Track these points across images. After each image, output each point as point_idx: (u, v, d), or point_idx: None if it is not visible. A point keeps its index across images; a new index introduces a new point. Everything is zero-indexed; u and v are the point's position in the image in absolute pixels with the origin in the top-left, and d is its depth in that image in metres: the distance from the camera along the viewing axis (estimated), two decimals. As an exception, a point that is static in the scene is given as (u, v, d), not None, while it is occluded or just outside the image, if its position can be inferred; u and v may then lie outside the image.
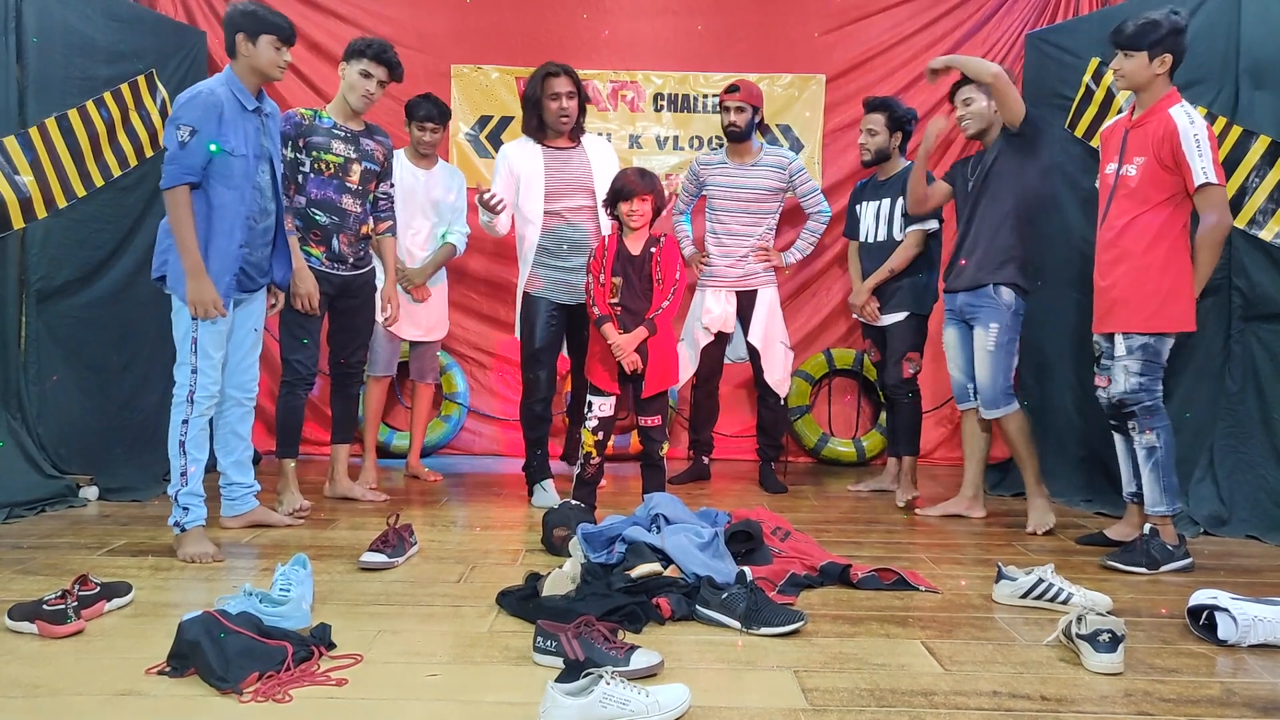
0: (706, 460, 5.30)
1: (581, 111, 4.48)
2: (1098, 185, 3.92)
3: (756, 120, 4.95)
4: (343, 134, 4.25)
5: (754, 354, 5.03)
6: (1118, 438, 3.94)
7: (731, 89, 4.91)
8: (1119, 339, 3.73)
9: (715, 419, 5.33)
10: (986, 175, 4.19)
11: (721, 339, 5.08)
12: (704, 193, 5.11)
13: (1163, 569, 3.55)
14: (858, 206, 4.94)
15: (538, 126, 4.46)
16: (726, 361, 5.20)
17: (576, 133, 4.52)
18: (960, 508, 4.46)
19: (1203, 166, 3.55)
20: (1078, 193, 4.75)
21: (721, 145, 5.30)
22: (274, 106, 3.87)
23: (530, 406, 4.50)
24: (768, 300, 5.04)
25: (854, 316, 5.01)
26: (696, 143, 5.82)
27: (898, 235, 4.74)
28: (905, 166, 4.79)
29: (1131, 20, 3.66)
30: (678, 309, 4.19)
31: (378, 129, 4.43)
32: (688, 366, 5.09)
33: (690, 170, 5.18)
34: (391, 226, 4.51)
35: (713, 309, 5.01)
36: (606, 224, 4.34)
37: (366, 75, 4.20)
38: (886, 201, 4.77)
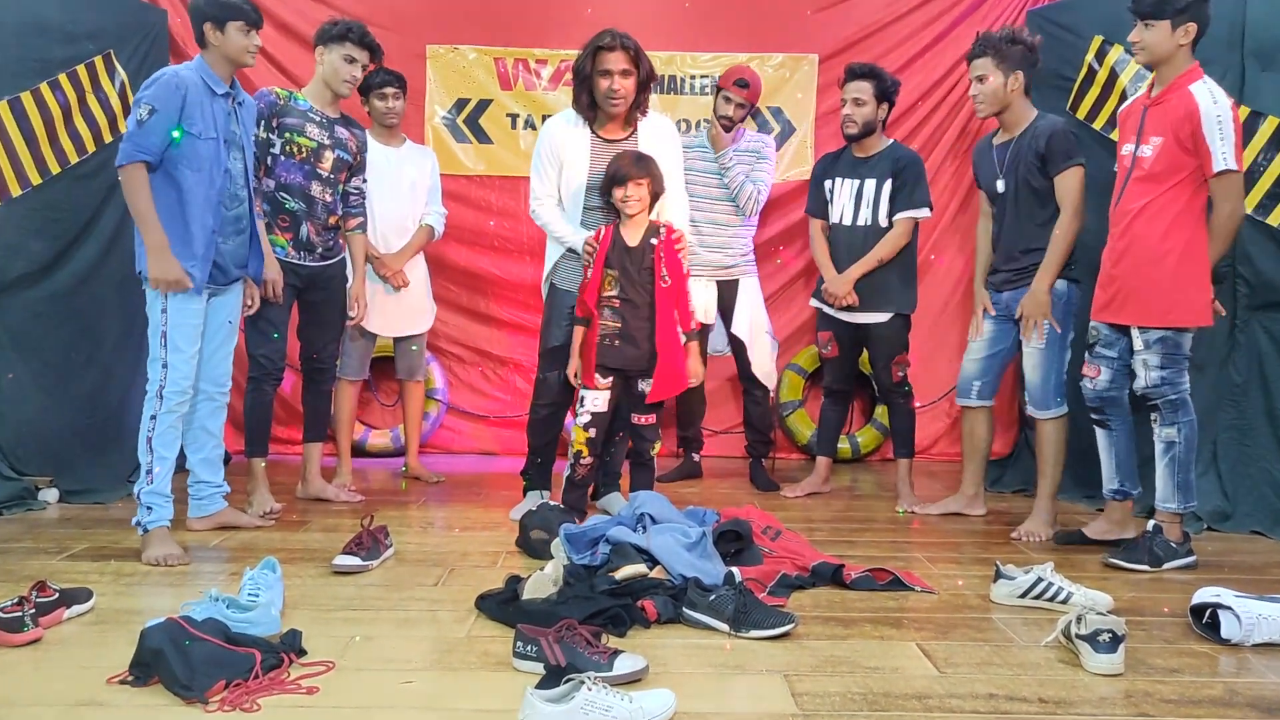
0: (697, 457, 5.31)
1: (641, 91, 4.15)
2: (1115, 169, 3.86)
3: (749, 115, 4.96)
4: (318, 119, 4.24)
5: (738, 346, 5.03)
6: (1100, 433, 3.92)
7: (741, 83, 4.81)
8: (1135, 333, 3.70)
9: (703, 413, 5.34)
10: (1016, 176, 4.08)
11: (703, 331, 5.02)
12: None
13: (1165, 566, 3.58)
14: (827, 183, 4.74)
15: (589, 105, 4.15)
16: (712, 353, 5.20)
17: (633, 117, 4.21)
18: (959, 505, 4.48)
19: (1224, 151, 3.47)
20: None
21: (703, 126, 5.27)
22: (249, 98, 3.92)
23: (536, 409, 4.32)
24: (751, 289, 5.03)
25: (814, 305, 4.86)
26: (685, 126, 5.82)
27: (883, 221, 4.60)
28: (889, 144, 4.68)
29: None
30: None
31: (353, 120, 4.42)
32: None
33: None
34: (362, 224, 4.50)
35: (694, 299, 4.98)
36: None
37: (351, 60, 4.20)
38: (871, 183, 4.61)
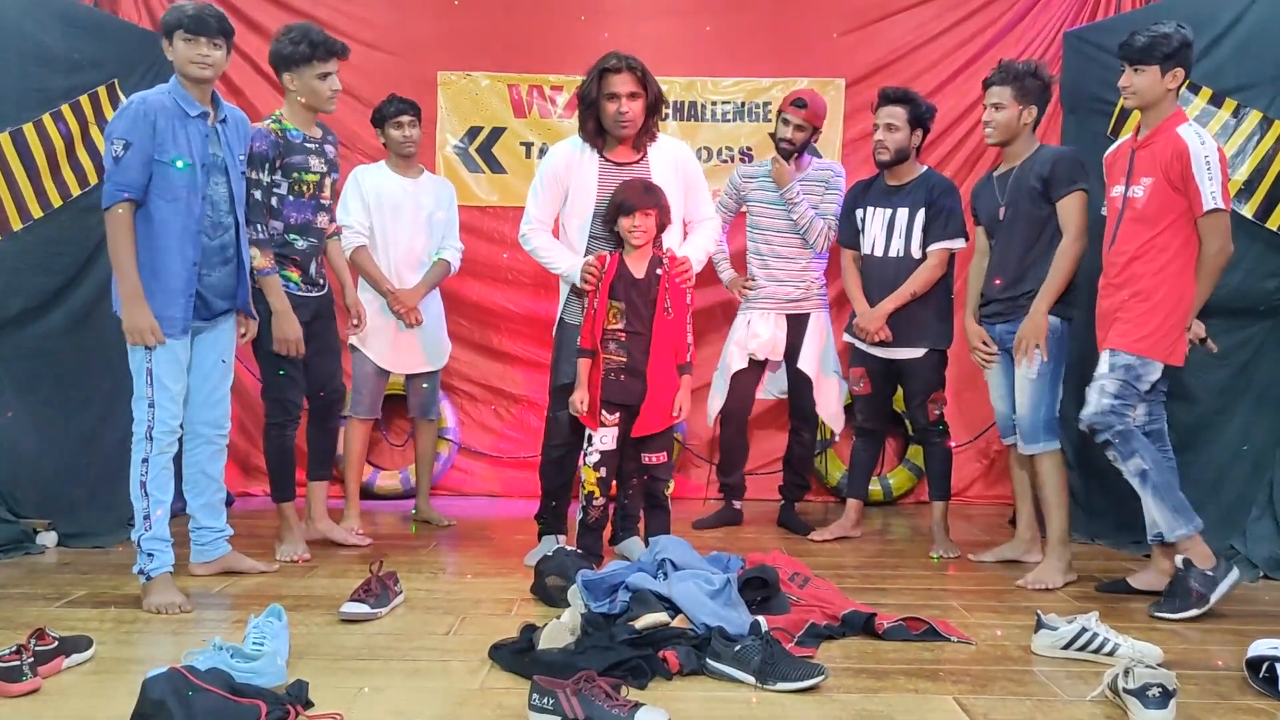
0: (738, 505, 5.26)
1: (651, 114, 4.19)
2: (1104, 211, 3.98)
3: (813, 139, 4.98)
4: (314, 146, 4.27)
5: (801, 383, 5.01)
6: None
7: (799, 104, 4.82)
8: (1104, 356, 3.79)
9: (745, 459, 5.30)
10: (1017, 202, 4.16)
11: (755, 368, 5.05)
12: (745, 208, 5.10)
13: (1215, 597, 3.56)
14: (859, 212, 4.79)
15: (595, 131, 4.19)
16: (766, 397, 5.20)
17: (643, 141, 4.24)
18: (1017, 552, 4.45)
19: (1212, 191, 3.61)
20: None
21: (748, 157, 5.29)
22: (236, 114, 3.88)
23: (548, 451, 4.34)
24: (821, 325, 5.03)
25: (846, 340, 4.88)
26: (705, 154, 5.88)
27: (915, 252, 4.64)
28: (924, 172, 4.72)
29: (1141, 33, 3.72)
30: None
31: (327, 127, 4.43)
32: (715, 399, 5.08)
33: (730, 182, 5.15)
34: (339, 230, 4.57)
35: (761, 334, 4.96)
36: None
37: (325, 76, 4.16)
38: (903, 212, 4.64)
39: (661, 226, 4.09)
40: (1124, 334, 3.75)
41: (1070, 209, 4.06)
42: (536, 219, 4.27)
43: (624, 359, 4.05)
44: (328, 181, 4.31)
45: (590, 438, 4.10)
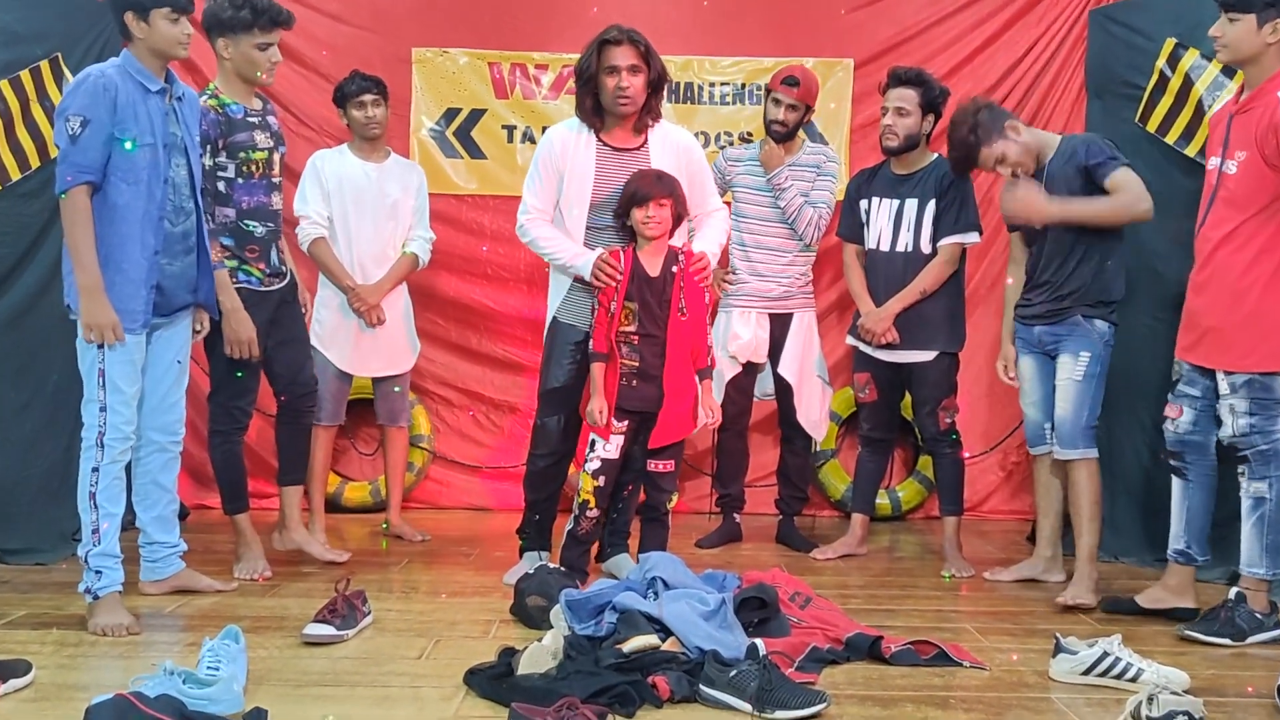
0: (738, 518, 5.24)
1: (653, 94, 4.20)
2: (1195, 186, 3.95)
3: (805, 120, 4.99)
4: (256, 120, 4.22)
5: (783, 389, 5.03)
6: (1176, 483, 3.95)
7: (790, 81, 4.81)
8: (1220, 376, 3.75)
9: (746, 468, 5.31)
10: (1059, 193, 4.13)
11: (751, 370, 5.05)
12: (730, 194, 5.09)
13: (1250, 641, 3.59)
14: (863, 203, 4.81)
15: (593, 109, 4.19)
16: (755, 398, 5.21)
17: (644, 123, 4.25)
18: (1036, 571, 4.47)
19: None
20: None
21: (748, 140, 5.29)
22: (188, 91, 3.87)
23: (533, 461, 4.33)
24: (805, 325, 5.03)
25: (850, 343, 4.90)
26: (703, 139, 5.89)
27: (925, 247, 4.64)
28: (933, 160, 4.70)
29: None
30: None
31: (265, 96, 4.39)
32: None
33: (715, 167, 5.09)
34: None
35: (741, 334, 4.95)
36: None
37: (264, 48, 4.09)
38: (912, 203, 4.65)
39: (678, 218, 4.10)
40: (1228, 350, 3.71)
41: (1125, 181, 4.00)
42: (534, 208, 4.26)
43: (636, 363, 4.05)
44: (276, 157, 4.28)
45: (593, 443, 4.10)
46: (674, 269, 4.08)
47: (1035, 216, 4.11)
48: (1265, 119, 3.57)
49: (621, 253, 4.08)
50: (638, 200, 4.02)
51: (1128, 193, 3.97)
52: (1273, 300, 3.65)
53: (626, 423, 4.09)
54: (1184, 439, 3.89)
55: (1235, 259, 3.67)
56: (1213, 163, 3.80)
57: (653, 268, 4.07)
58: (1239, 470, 3.78)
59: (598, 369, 4.08)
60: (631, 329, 4.05)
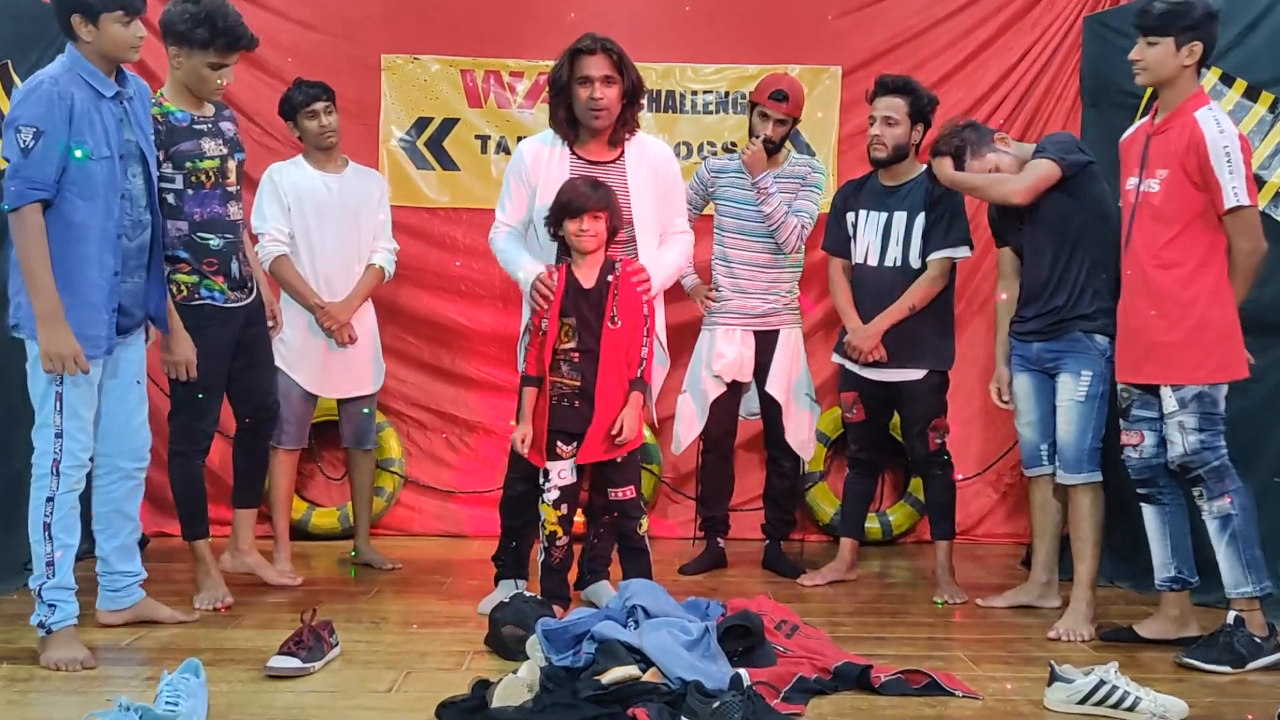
0: (722, 543, 5.26)
1: (628, 105, 4.24)
2: (1119, 204, 4.06)
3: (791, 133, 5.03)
4: (205, 126, 4.17)
5: (772, 408, 5.04)
6: (1148, 510, 4.00)
7: (778, 96, 4.83)
8: (1166, 393, 3.83)
9: (731, 490, 5.32)
10: (1038, 206, 4.21)
11: (736, 389, 5.06)
12: (714, 207, 5.11)
13: (1250, 666, 3.62)
14: (849, 216, 4.84)
15: (567, 120, 4.24)
16: (740, 418, 5.22)
17: (620, 137, 4.30)
18: (1030, 597, 4.50)
19: (1234, 186, 3.66)
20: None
21: (732, 150, 5.32)
22: (140, 85, 3.81)
23: (509, 485, 4.36)
24: (791, 343, 5.04)
25: (836, 361, 4.92)
26: (684, 150, 5.91)
27: (914, 261, 4.67)
28: (923, 171, 4.71)
29: (1160, 0, 3.75)
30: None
31: (222, 103, 4.37)
32: (693, 424, 5.06)
33: (696, 176, 5.14)
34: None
35: (726, 353, 4.95)
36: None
37: (217, 68, 4.03)
38: (900, 216, 4.68)
39: (613, 230, 4.10)
40: (1175, 364, 3.79)
41: (1032, 165, 4.17)
42: (502, 221, 4.34)
43: (578, 382, 4.05)
44: (231, 165, 4.23)
45: (547, 473, 4.10)
46: (609, 278, 4.07)
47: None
48: (1185, 138, 3.73)
49: (555, 270, 4.09)
50: (570, 212, 4.01)
51: (1020, 176, 4.16)
52: (1217, 312, 3.77)
53: (574, 444, 4.07)
54: (1150, 463, 3.95)
55: (1174, 274, 3.79)
56: (1130, 183, 3.94)
57: (588, 280, 4.07)
58: (1195, 493, 3.84)
59: (528, 395, 4.09)
60: (571, 345, 4.05)
